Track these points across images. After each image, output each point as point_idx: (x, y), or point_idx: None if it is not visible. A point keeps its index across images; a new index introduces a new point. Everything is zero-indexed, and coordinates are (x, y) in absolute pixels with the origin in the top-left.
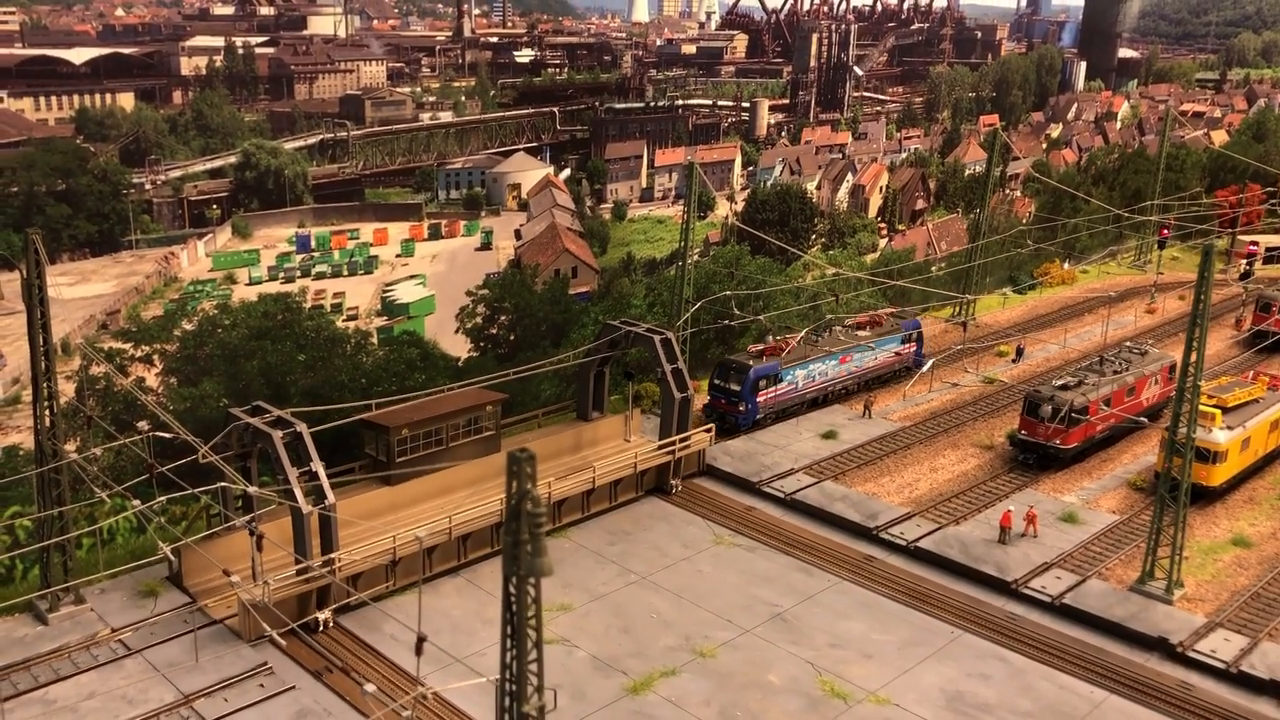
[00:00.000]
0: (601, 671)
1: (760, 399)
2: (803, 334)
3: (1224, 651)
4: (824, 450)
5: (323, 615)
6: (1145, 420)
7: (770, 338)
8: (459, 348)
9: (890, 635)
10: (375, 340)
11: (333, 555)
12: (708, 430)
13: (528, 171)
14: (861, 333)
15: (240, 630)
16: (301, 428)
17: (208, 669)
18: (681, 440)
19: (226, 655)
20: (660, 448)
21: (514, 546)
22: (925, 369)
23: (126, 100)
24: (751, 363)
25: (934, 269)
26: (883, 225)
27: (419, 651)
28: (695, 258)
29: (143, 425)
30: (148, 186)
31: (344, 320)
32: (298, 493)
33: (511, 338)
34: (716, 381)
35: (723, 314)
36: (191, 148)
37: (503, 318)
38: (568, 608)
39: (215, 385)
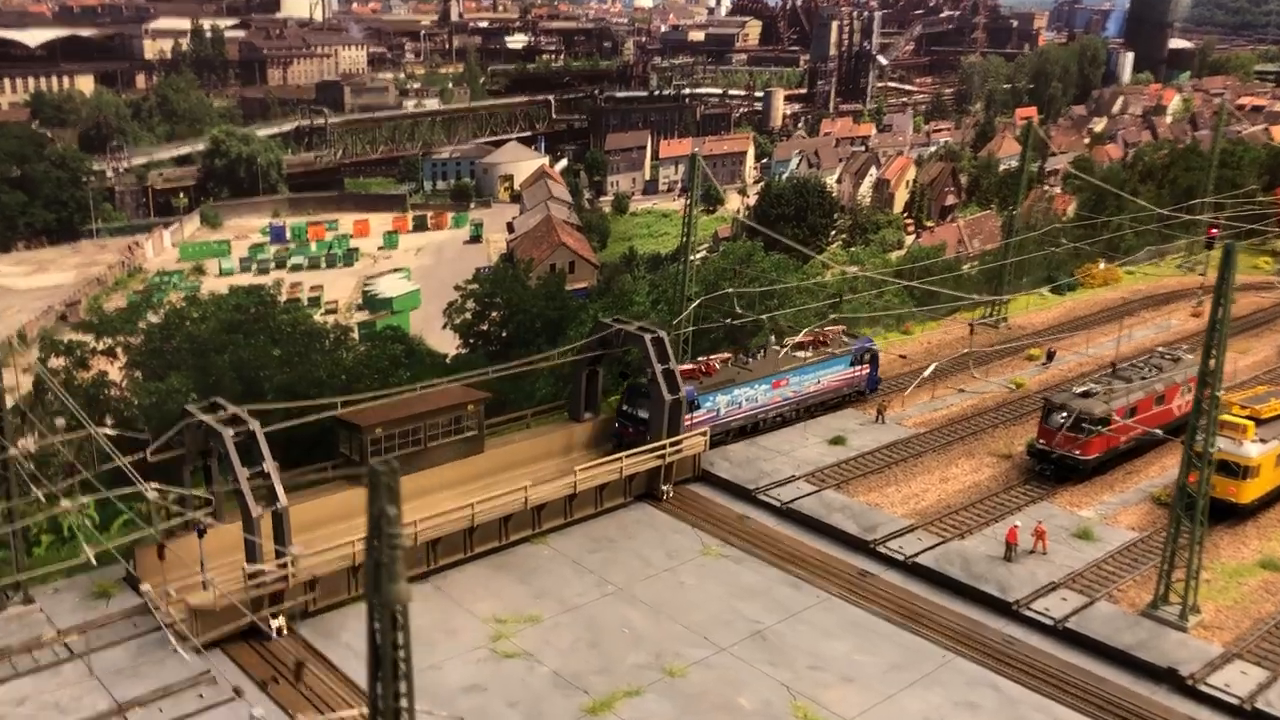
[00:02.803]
0: (562, 690)
1: None
2: (728, 355)
3: (1239, 686)
4: (829, 456)
5: (276, 621)
6: (1159, 432)
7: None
8: (447, 344)
9: (876, 657)
10: (356, 336)
11: (285, 559)
12: (703, 434)
13: (521, 162)
14: (802, 353)
15: (188, 636)
16: (254, 426)
17: (148, 676)
18: (673, 444)
19: (170, 662)
20: (651, 452)
21: (374, 570)
22: (927, 374)
23: (86, 84)
24: None
25: (965, 267)
26: (909, 222)
27: (298, 677)
28: (703, 254)
29: (60, 423)
30: (109, 174)
31: (322, 314)
32: (247, 494)
33: (503, 335)
34: (624, 407)
35: (730, 313)
36: (156, 134)
37: (494, 314)
38: (536, 619)
39: (183, 380)
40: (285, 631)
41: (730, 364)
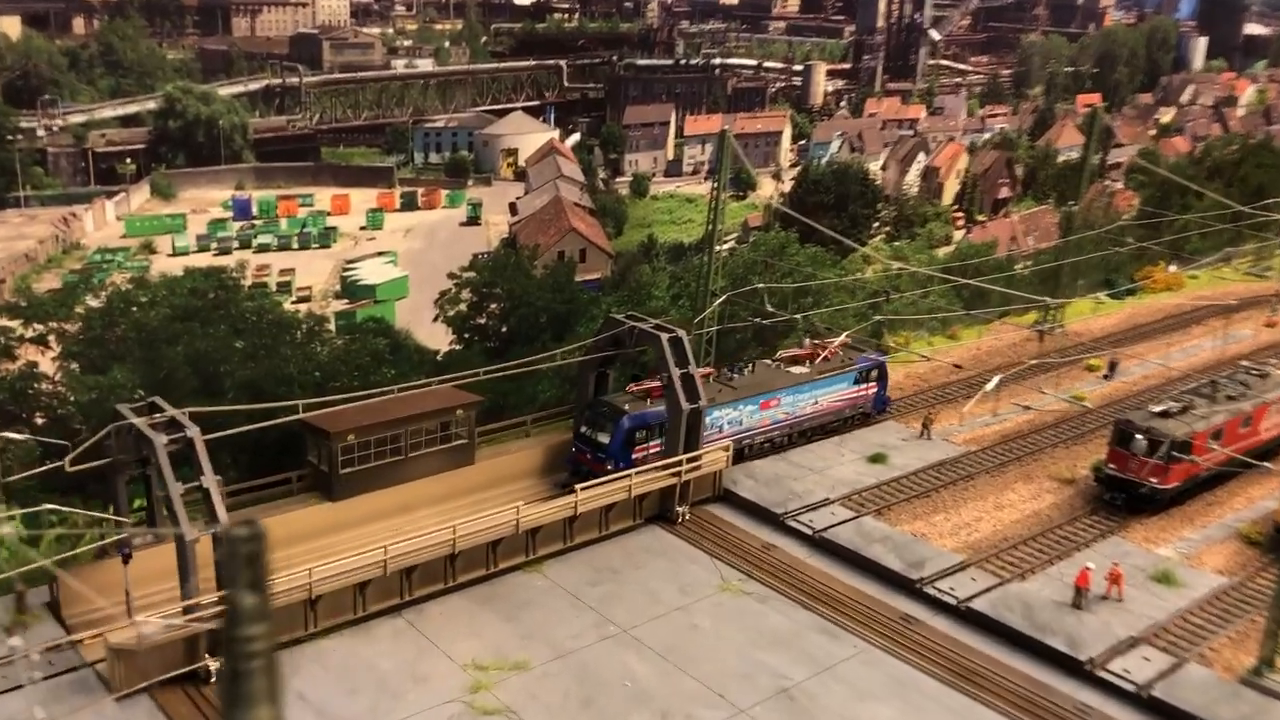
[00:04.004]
0: None
1: (638, 456)
2: (714, 369)
3: None
4: (868, 477)
5: (216, 663)
6: (1255, 462)
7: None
8: (438, 339)
9: None
10: (333, 327)
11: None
12: (725, 448)
13: (527, 135)
14: (797, 369)
15: (109, 679)
16: (193, 432)
17: None
18: (690, 460)
19: (84, 712)
20: (665, 468)
21: (230, 681)
22: (990, 387)
23: (11, 26)
24: (627, 407)
25: (1018, 267)
26: (959, 215)
27: None
28: (731, 244)
29: None
30: (40, 133)
31: (293, 302)
32: (179, 513)
33: (503, 330)
34: (582, 429)
35: (759, 311)
36: (98, 88)
37: (493, 305)
38: (522, 666)
39: (129, 374)
40: None
41: (712, 380)
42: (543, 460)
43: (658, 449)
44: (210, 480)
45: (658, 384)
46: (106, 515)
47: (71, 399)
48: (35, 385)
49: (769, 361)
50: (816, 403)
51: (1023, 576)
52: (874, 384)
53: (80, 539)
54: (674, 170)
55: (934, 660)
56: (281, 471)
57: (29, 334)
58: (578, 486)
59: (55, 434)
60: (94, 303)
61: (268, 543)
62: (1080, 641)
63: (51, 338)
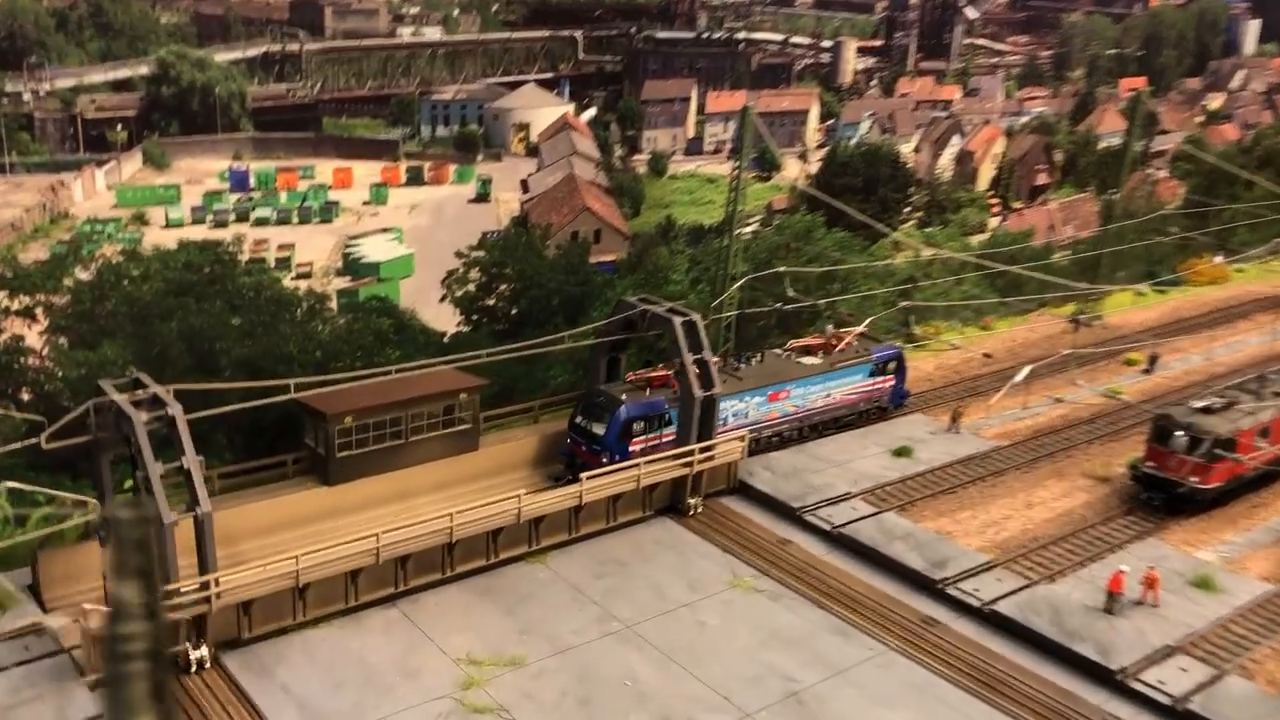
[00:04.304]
0: None
1: (635, 448)
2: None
3: None
4: (893, 471)
5: (197, 652)
6: None
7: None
8: (445, 320)
9: None
10: (334, 305)
11: (209, 577)
12: (741, 438)
13: (539, 109)
14: (808, 360)
15: (84, 665)
16: (175, 411)
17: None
18: (703, 450)
19: (55, 699)
20: (676, 458)
21: (109, 684)
22: (1020, 378)
23: None
24: (624, 397)
25: (1055, 256)
26: (995, 201)
27: None
28: (754, 227)
29: None
30: (27, 97)
31: (293, 279)
32: (158, 495)
33: (514, 312)
34: (578, 420)
35: (782, 297)
36: (87, 51)
37: (503, 287)
38: (518, 662)
39: (120, 350)
40: (208, 665)
41: (717, 370)
42: (550, 447)
43: (656, 441)
44: (191, 461)
45: (659, 373)
46: (68, 495)
47: (59, 374)
48: (21, 360)
49: (779, 351)
50: (829, 395)
51: (1052, 579)
52: (891, 377)
53: (64, 519)
54: (694, 149)
55: (955, 665)
56: (281, 454)
57: (15, 306)
58: (583, 475)
59: (42, 411)
60: (83, 275)
61: (158, 527)
62: (1112, 649)
63: (38, 310)
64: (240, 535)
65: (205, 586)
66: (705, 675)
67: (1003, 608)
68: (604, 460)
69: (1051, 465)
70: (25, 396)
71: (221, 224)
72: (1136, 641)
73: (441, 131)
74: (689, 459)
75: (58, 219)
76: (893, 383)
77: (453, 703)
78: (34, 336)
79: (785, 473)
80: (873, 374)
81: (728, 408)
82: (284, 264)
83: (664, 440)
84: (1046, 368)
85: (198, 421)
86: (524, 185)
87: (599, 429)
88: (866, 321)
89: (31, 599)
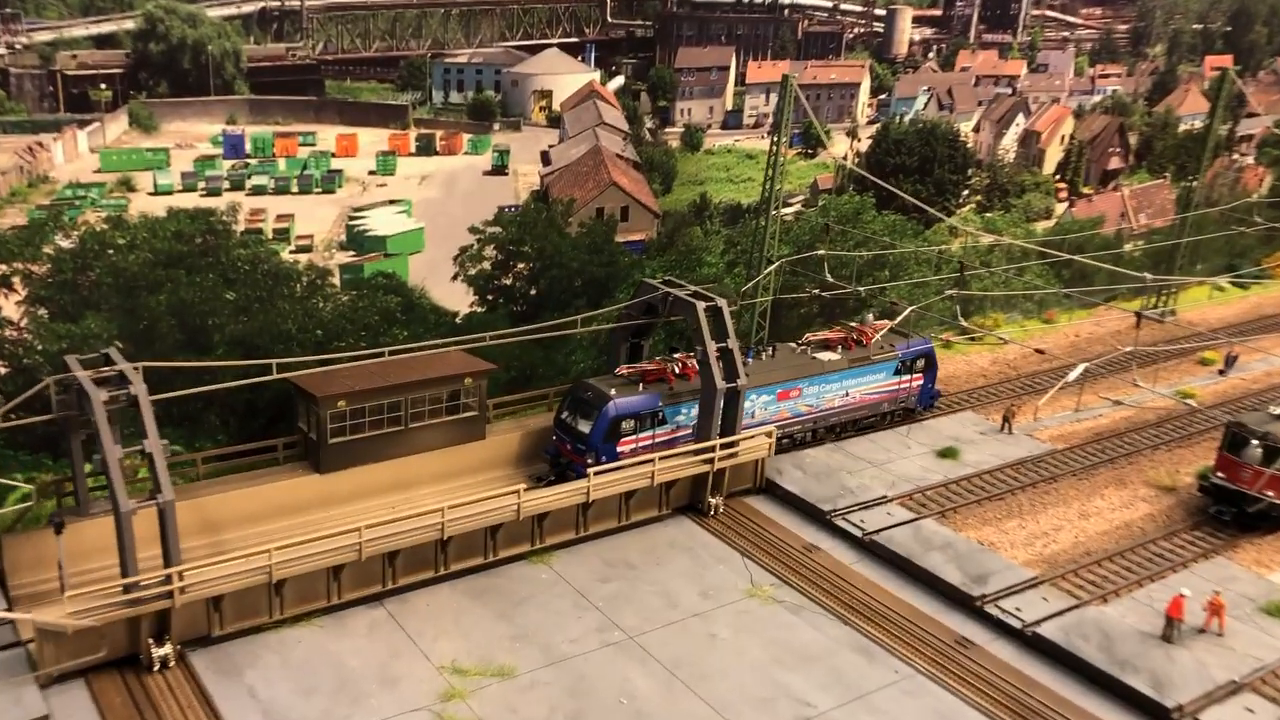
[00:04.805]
0: None
1: (623, 449)
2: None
3: None
4: (935, 473)
5: (159, 650)
6: None
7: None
8: (457, 300)
9: None
10: (337, 281)
11: (171, 570)
12: (769, 434)
13: (562, 76)
14: (825, 356)
15: (37, 662)
16: (138, 389)
17: None
18: (725, 446)
19: (1, 697)
20: (697, 454)
21: None
22: (1073, 376)
23: None
24: (613, 393)
25: (1127, 246)
26: (1062, 186)
27: None
28: (797, 207)
29: None
30: (1, 50)
31: (291, 252)
32: (116, 480)
33: (532, 292)
34: (563, 416)
35: (821, 283)
36: (68, 4)
37: (521, 265)
38: (507, 673)
39: (104, 323)
40: (171, 663)
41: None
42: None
43: (649, 442)
44: (154, 444)
45: (654, 366)
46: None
47: (39, 348)
48: None
49: (794, 345)
50: (847, 395)
51: (1104, 599)
52: (919, 375)
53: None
54: (733, 122)
55: (988, 694)
56: (278, 438)
57: None
58: (590, 470)
59: (21, 386)
60: (64, 243)
61: None
62: (1168, 683)
63: (15, 280)
64: (223, 524)
65: (168, 580)
66: (710, 694)
67: (1046, 630)
68: (589, 461)
69: (1111, 472)
70: (1, 370)
71: (214, 192)
72: (1197, 675)
73: (455, 98)
74: (710, 455)
75: (36, 182)
76: (921, 382)
77: (430, 715)
78: (11, 307)
79: (817, 472)
80: (898, 371)
81: None
82: (282, 236)
83: (657, 441)
84: (1109, 366)
85: (190, 401)
86: (545, 157)
87: (585, 426)
88: (908, 309)
89: None
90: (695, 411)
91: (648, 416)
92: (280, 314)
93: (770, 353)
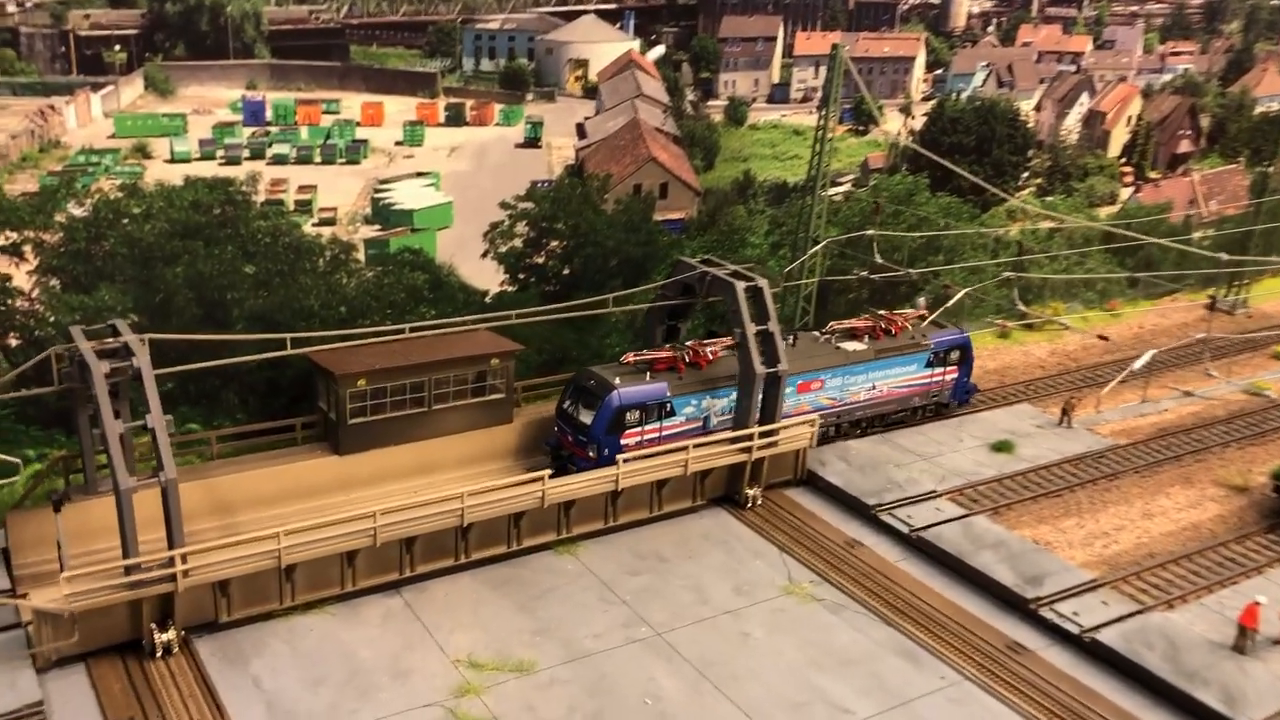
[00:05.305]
0: None
1: (626, 442)
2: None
3: None
4: (989, 468)
5: (162, 635)
6: None
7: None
8: (487, 278)
9: None
10: (362, 257)
11: (175, 553)
12: (809, 423)
13: (600, 44)
14: (851, 346)
15: (35, 645)
16: (141, 362)
17: None
18: (764, 435)
19: None
20: (734, 443)
21: None
22: (1139, 365)
23: None
24: (618, 382)
25: (1196, 235)
26: (1127, 170)
27: None
28: (847, 186)
29: None
30: (11, 9)
31: (314, 225)
32: (116, 457)
33: (566, 272)
34: (565, 405)
35: (869, 265)
36: None
37: (554, 243)
38: (527, 668)
39: (119, 295)
40: (175, 650)
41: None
42: None
43: (655, 435)
44: (157, 419)
45: (664, 354)
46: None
47: (51, 319)
48: (8, 302)
49: (817, 333)
50: (874, 388)
51: (1170, 605)
52: (953, 368)
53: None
54: (779, 96)
55: (1042, 704)
56: (300, 417)
57: (2, 242)
58: (620, 458)
59: (32, 357)
60: (77, 211)
61: None
62: (1240, 698)
63: (27, 248)
64: (237, 505)
65: (171, 563)
66: (740, 697)
67: (1106, 637)
68: (590, 454)
69: (1178, 469)
70: (13, 342)
71: (233, 160)
72: (1271, 690)
73: (486, 65)
74: (748, 444)
75: (48, 147)
76: (955, 375)
77: (442, 712)
78: (22, 277)
79: (862, 464)
80: (930, 364)
81: None
82: (304, 208)
83: (665, 434)
84: (1178, 356)
85: (208, 379)
86: (580, 130)
87: (587, 417)
88: (961, 293)
89: (2, 564)
90: (707, 403)
91: (655, 408)
92: (302, 289)
93: (791, 341)
